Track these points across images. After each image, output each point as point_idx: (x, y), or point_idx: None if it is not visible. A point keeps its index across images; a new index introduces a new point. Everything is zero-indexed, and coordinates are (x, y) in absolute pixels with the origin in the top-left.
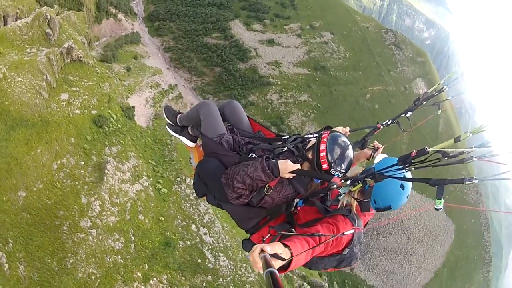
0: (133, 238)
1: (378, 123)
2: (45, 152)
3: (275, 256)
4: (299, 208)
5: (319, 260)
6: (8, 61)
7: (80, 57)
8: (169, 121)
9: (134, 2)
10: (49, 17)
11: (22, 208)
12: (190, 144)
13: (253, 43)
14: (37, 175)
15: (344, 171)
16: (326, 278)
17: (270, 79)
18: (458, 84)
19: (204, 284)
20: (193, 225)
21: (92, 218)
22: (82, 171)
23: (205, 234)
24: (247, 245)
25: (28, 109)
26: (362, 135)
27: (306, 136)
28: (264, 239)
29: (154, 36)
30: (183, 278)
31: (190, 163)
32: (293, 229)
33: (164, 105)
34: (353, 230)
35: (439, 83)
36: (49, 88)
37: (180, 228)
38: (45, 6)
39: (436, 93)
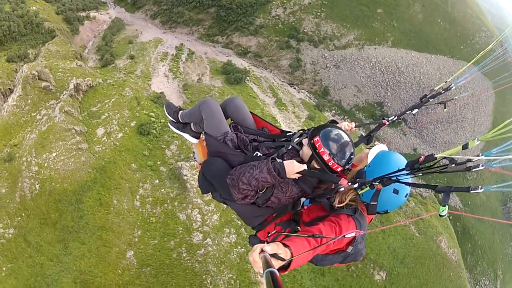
0: (239, 222)
1: (383, 119)
2: (122, 198)
3: (275, 256)
4: (305, 207)
5: (324, 257)
6: (30, 146)
7: (90, 84)
8: (171, 118)
9: None
10: (35, 73)
11: (139, 265)
12: (193, 140)
13: None
14: (130, 225)
15: (351, 161)
16: None
17: None
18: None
19: None
20: None
21: (200, 228)
22: (163, 190)
23: None
24: (254, 241)
25: (80, 172)
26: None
27: (305, 132)
28: (269, 235)
29: (134, 11)
30: None
31: (194, 158)
32: (298, 227)
33: (165, 103)
34: (354, 233)
35: (446, 81)
36: (83, 137)
37: None
38: (25, 65)
39: (443, 91)
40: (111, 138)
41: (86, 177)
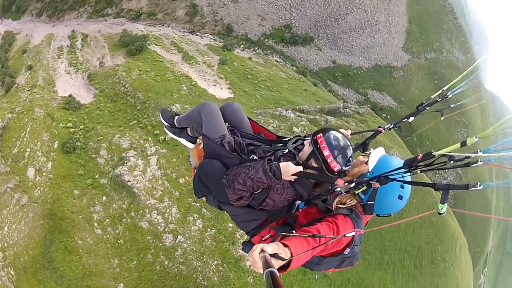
0: (197, 204)
1: (379, 127)
2: (83, 234)
3: (275, 256)
4: (300, 210)
5: (320, 261)
6: None
7: (1, 126)
8: (167, 123)
9: None
10: None
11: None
12: (189, 145)
13: None
14: (105, 258)
15: (350, 165)
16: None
17: None
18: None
19: None
20: None
21: (166, 229)
22: (114, 205)
23: None
24: (247, 247)
25: (35, 230)
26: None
27: (306, 137)
28: (263, 239)
29: (21, 17)
30: None
31: (189, 162)
32: (293, 231)
33: (160, 109)
34: (354, 232)
35: (443, 89)
36: (20, 189)
37: None
38: None
39: (440, 99)
40: (44, 174)
41: (42, 231)
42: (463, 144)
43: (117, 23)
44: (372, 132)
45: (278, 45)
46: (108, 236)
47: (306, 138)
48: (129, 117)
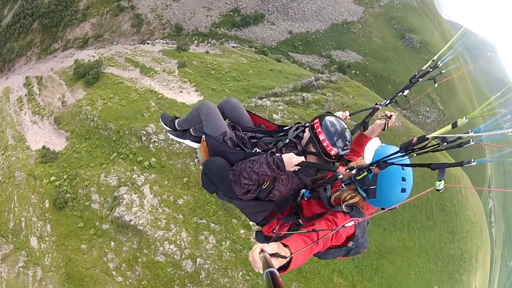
0: (202, 221)
1: (376, 104)
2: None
3: (275, 256)
4: (305, 198)
5: (327, 251)
6: None
7: None
8: (168, 128)
9: None
10: None
11: None
12: (194, 145)
13: None
14: None
15: (348, 149)
16: None
17: None
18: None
19: None
20: None
21: (183, 256)
22: (124, 248)
23: None
24: (259, 236)
25: None
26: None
27: (306, 123)
28: (274, 230)
29: None
30: None
31: (197, 158)
32: (299, 220)
33: (161, 114)
34: (353, 222)
35: (433, 59)
36: (30, 264)
37: None
38: None
39: (431, 69)
40: (46, 239)
41: None
42: (454, 125)
43: (67, 55)
44: (370, 110)
45: (231, 31)
46: (130, 281)
47: (307, 125)
48: (107, 151)
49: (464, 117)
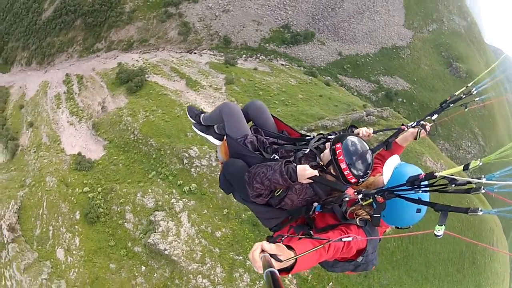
0: (236, 257)
1: (402, 125)
2: None
3: (275, 256)
4: (317, 212)
5: (335, 263)
6: None
7: (17, 208)
8: (194, 121)
9: None
10: None
11: None
12: (217, 142)
13: None
14: None
15: (368, 175)
16: None
17: None
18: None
19: None
20: None
21: None
22: (156, 274)
23: None
24: (270, 241)
25: None
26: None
27: (329, 136)
28: (283, 238)
29: (10, 69)
30: None
31: (217, 157)
32: (311, 231)
33: (187, 107)
34: (351, 238)
35: (467, 86)
36: (55, 276)
37: None
38: None
39: (464, 96)
40: (74, 253)
41: None
42: (466, 167)
43: (110, 56)
44: (395, 130)
45: (280, 48)
46: None
47: (329, 137)
48: (146, 168)
49: (479, 159)
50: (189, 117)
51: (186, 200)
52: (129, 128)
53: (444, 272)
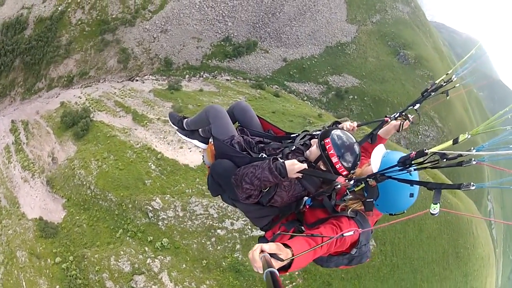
0: None
1: (386, 116)
2: None
3: (275, 256)
4: (307, 206)
5: (329, 258)
6: None
7: None
8: (177, 127)
9: None
10: None
11: None
12: (202, 146)
13: None
14: None
15: (357, 165)
16: None
17: None
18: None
19: None
20: None
21: None
22: None
23: None
24: (263, 242)
25: None
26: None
27: (314, 132)
28: (274, 236)
29: None
30: None
31: (203, 161)
32: (302, 227)
33: (169, 114)
34: (353, 231)
35: (447, 73)
36: None
37: None
38: None
39: (445, 83)
40: None
41: None
42: (455, 141)
43: (52, 95)
44: (378, 122)
45: (223, 62)
46: None
47: (315, 134)
48: (111, 226)
49: (466, 133)
50: (171, 123)
51: (162, 257)
52: (84, 183)
53: (431, 273)
